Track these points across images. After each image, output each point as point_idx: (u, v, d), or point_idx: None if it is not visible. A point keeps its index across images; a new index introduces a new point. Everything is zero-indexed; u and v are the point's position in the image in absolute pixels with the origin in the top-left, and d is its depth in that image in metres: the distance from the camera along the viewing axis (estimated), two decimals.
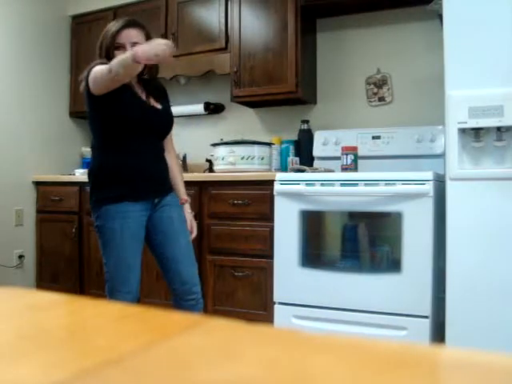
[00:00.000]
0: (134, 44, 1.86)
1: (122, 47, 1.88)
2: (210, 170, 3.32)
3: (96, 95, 1.85)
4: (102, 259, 1.95)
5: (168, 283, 2.01)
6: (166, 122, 2.04)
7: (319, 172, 2.64)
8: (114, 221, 1.88)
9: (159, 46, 1.67)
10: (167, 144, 2.11)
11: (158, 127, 2.01)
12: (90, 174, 1.98)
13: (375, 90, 3.07)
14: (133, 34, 1.90)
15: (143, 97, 1.97)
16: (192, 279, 1.99)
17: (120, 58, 1.73)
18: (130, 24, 1.91)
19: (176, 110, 3.03)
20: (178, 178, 2.13)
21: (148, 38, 1.93)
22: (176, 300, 2.00)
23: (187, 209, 2.13)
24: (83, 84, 1.89)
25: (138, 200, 1.91)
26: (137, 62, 1.69)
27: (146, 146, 1.96)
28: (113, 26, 1.92)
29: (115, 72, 1.72)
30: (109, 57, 1.87)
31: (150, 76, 2.02)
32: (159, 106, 2.00)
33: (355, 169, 2.65)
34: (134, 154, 1.94)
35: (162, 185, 2.02)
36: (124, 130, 1.91)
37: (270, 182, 2.59)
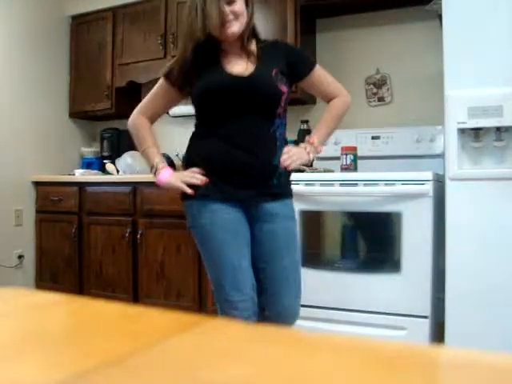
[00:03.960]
0: (232, 6, 1.56)
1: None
2: None
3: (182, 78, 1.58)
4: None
5: (259, 301, 1.60)
6: (253, 90, 1.52)
7: (319, 172, 2.64)
8: (201, 215, 1.53)
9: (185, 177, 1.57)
10: (331, 99, 1.69)
11: (242, 100, 1.52)
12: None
13: (374, 90, 3.07)
14: None
15: (234, 67, 1.56)
16: (287, 311, 1.60)
17: (148, 152, 1.64)
18: None
19: (176, 110, 3.03)
20: (324, 117, 1.70)
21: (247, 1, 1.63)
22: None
23: (305, 147, 1.63)
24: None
25: (224, 201, 1.54)
26: (157, 179, 1.61)
27: (238, 129, 1.53)
28: None
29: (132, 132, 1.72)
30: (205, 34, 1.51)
31: (245, 40, 1.63)
32: (247, 73, 1.54)
33: (355, 169, 2.65)
34: (217, 140, 1.54)
35: (259, 185, 1.57)
36: (206, 111, 1.58)
37: None
